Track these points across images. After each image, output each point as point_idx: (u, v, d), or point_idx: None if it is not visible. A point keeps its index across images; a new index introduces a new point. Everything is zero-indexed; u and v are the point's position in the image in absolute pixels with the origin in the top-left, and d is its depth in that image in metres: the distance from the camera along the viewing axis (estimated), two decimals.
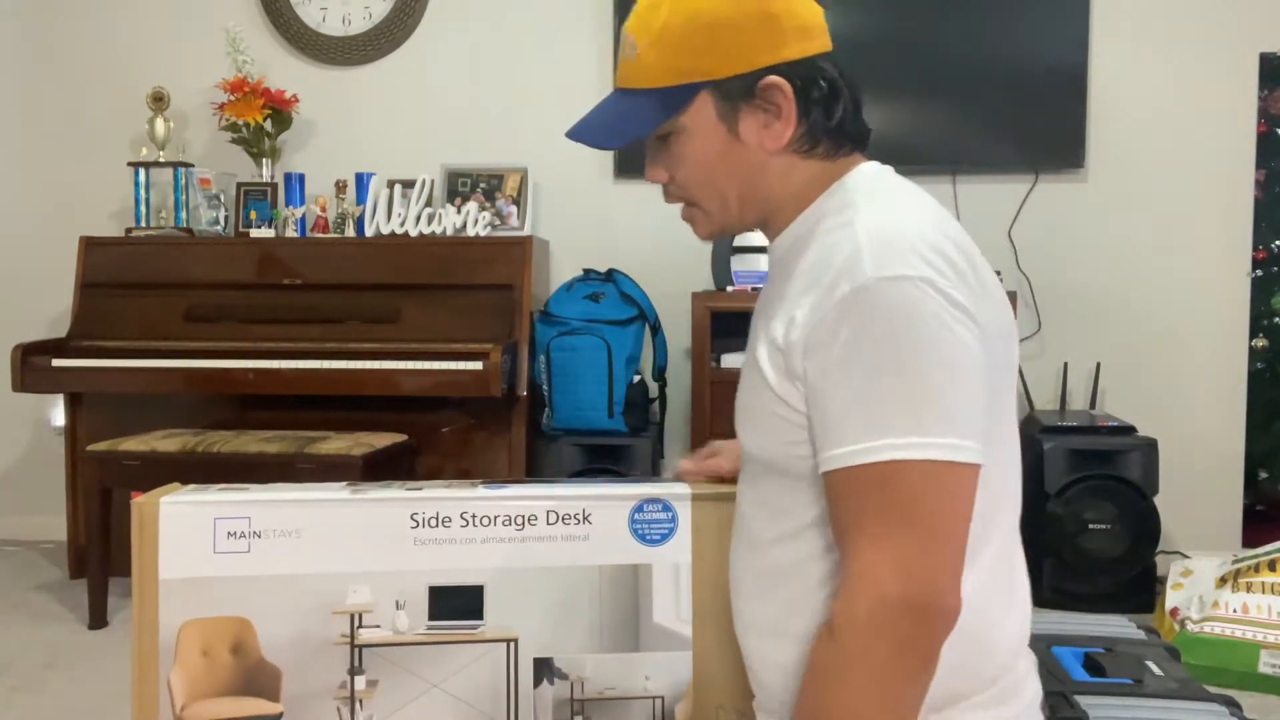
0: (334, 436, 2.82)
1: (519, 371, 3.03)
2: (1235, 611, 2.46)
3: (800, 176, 1.05)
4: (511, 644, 1.24)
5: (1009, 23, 3.23)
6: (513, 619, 1.23)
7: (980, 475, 0.92)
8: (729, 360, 2.99)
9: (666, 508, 1.25)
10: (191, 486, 1.26)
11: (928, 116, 3.23)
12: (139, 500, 1.20)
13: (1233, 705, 1.46)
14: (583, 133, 1.09)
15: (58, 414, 3.36)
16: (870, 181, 1.04)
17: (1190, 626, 2.48)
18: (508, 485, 1.27)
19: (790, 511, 1.02)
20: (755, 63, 1.00)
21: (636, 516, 1.24)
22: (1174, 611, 2.59)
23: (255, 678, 1.21)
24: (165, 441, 2.78)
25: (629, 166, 3.43)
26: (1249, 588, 2.50)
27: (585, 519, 1.24)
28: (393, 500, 1.23)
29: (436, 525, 1.22)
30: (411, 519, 1.22)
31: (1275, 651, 2.39)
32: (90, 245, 3.27)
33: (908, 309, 0.90)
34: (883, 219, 0.97)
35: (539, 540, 1.23)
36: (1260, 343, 3.23)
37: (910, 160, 3.23)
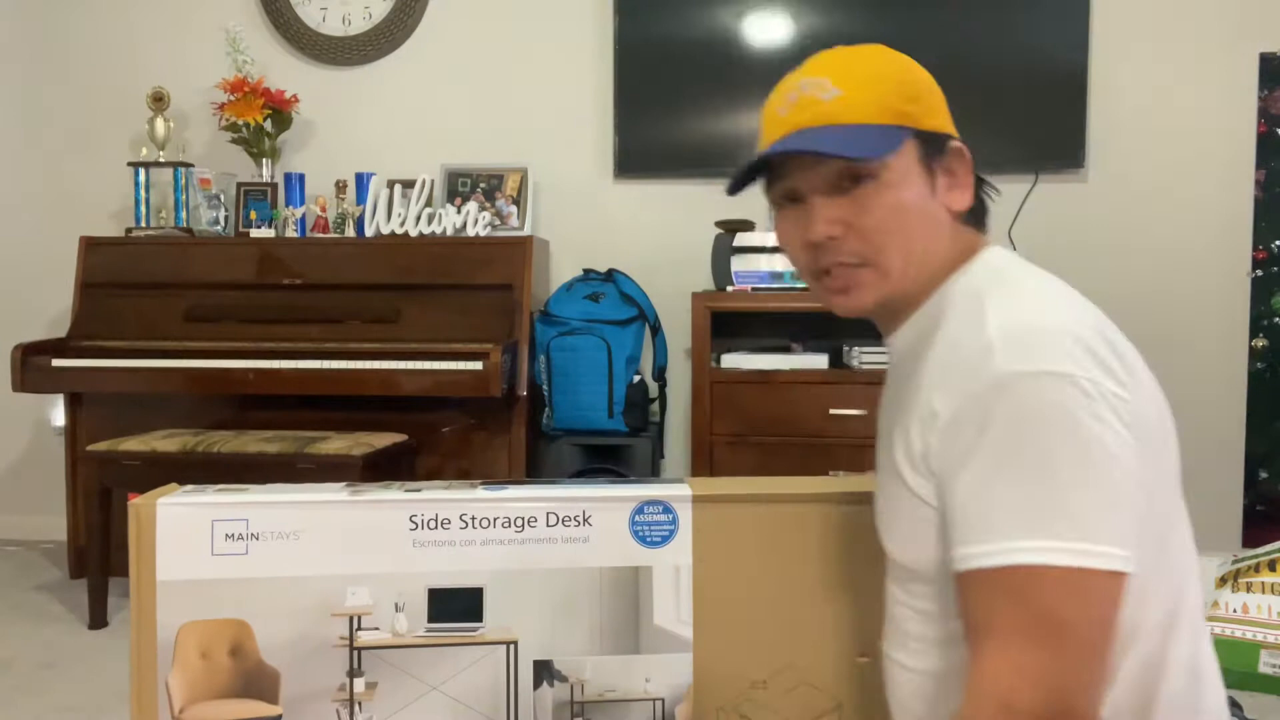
0: (334, 436, 2.82)
1: (519, 371, 3.03)
2: (1235, 611, 2.46)
3: (957, 247, 1.04)
4: (511, 646, 1.23)
5: (1009, 23, 3.23)
6: (512, 621, 1.23)
7: (1145, 584, 0.89)
8: (729, 360, 2.99)
9: (667, 509, 1.24)
10: (189, 488, 1.26)
11: None
12: (136, 502, 1.20)
13: (1233, 705, 1.46)
14: (822, 144, 0.98)
15: (58, 414, 3.36)
16: (1000, 268, 1.03)
17: None
18: (507, 486, 1.26)
19: (939, 616, 1.00)
20: (944, 126, 1.03)
21: (637, 518, 1.24)
22: None
23: (254, 680, 1.20)
24: (165, 441, 2.78)
25: (629, 166, 3.43)
26: (1249, 588, 2.50)
27: (585, 521, 1.23)
28: (392, 502, 1.22)
29: (436, 527, 1.22)
30: (410, 520, 1.21)
31: (1275, 651, 2.39)
32: (90, 245, 3.27)
33: (1043, 406, 0.86)
34: (1016, 310, 0.94)
35: (539, 542, 1.23)
36: (1260, 343, 3.23)
37: None
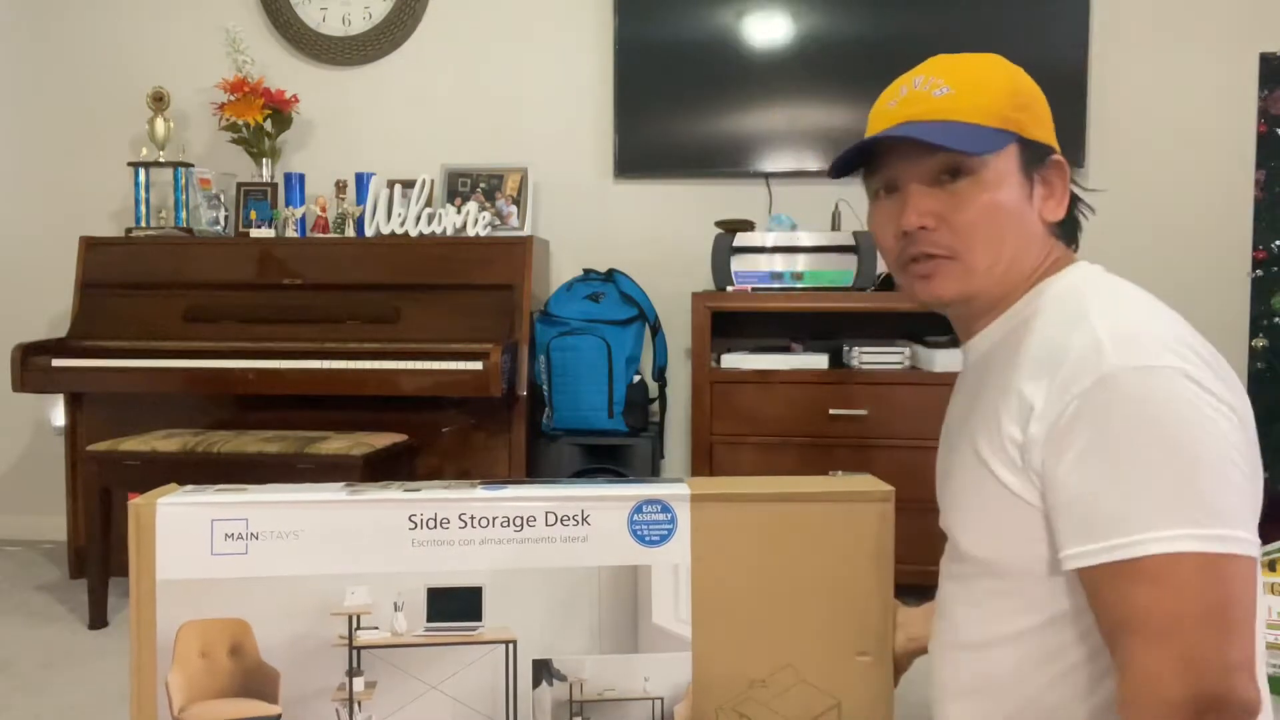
0: (334, 436, 2.82)
1: (519, 371, 3.03)
2: None
3: (1044, 257, 1.06)
4: (510, 645, 1.23)
5: (1009, 23, 3.23)
6: (511, 620, 1.23)
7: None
8: (729, 360, 2.99)
9: (665, 509, 1.24)
10: (189, 487, 1.26)
11: None
12: (136, 502, 1.20)
13: None
14: (929, 134, 1.01)
15: (58, 414, 3.36)
16: (1094, 278, 1.05)
17: None
18: (506, 486, 1.26)
19: (1010, 615, 1.00)
20: (1048, 139, 1.07)
21: (635, 517, 1.24)
22: None
23: (253, 679, 1.21)
24: (165, 441, 2.78)
25: (629, 166, 3.43)
26: None
27: (584, 520, 1.23)
28: (391, 501, 1.22)
29: (435, 526, 1.22)
30: (410, 520, 1.21)
31: (1276, 651, 2.39)
32: (90, 245, 3.27)
33: (1162, 397, 0.87)
34: (1123, 312, 0.96)
35: (537, 541, 1.23)
36: (1260, 343, 3.23)
37: None
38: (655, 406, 3.32)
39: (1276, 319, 3.22)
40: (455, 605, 1.22)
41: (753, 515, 1.25)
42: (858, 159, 1.08)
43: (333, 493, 1.24)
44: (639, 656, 1.24)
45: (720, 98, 3.34)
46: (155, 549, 1.19)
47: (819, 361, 2.96)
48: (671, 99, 3.38)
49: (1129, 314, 0.96)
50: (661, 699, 1.24)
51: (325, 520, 1.21)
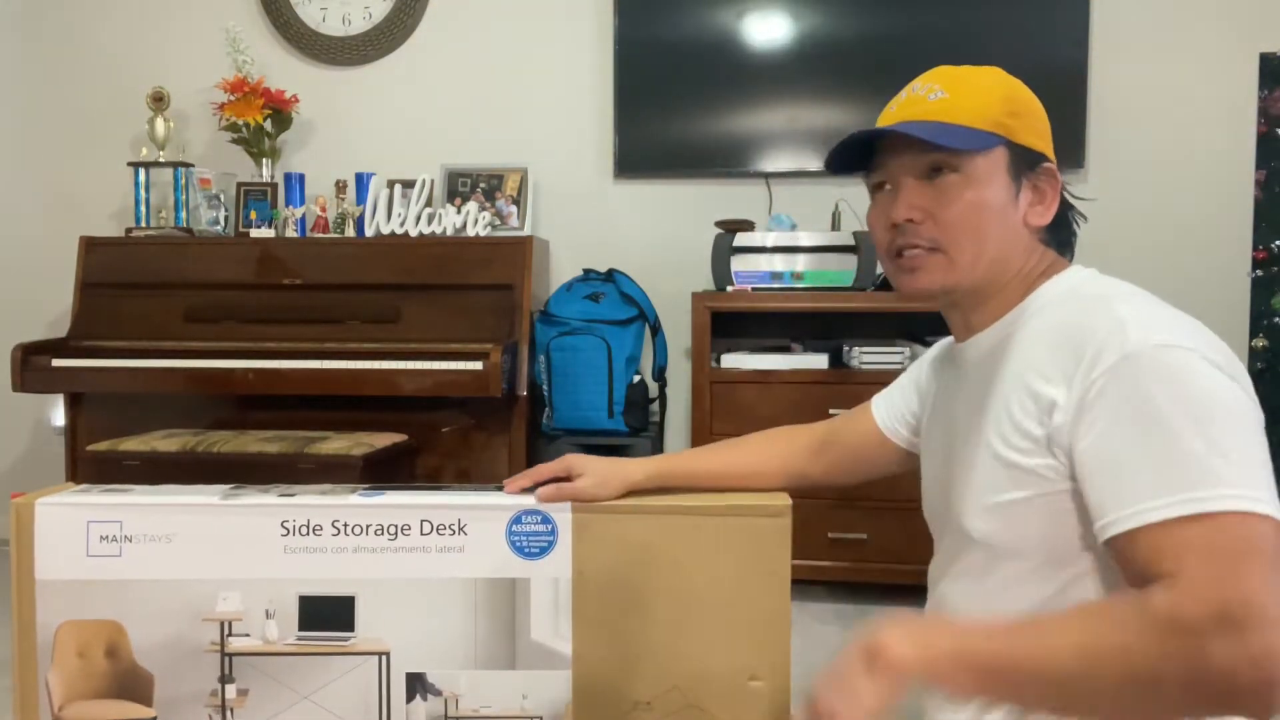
0: (334, 436, 2.82)
1: (519, 371, 3.03)
2: None
3: (1035, 262, 1.09)
4: (383, 657, 1.21)
5: (1009, 23, 3.23)
6: (385, 631, 1.20)
7: None
8: (729, 360, 2.99)
9: (546, 520, 1.20)
10: (80, 487, 1.26)
11: None
12: (17, 501, 1.20)
13: None
14: (911, 128, 1.05)
15: (58, 414, 3.36)
16: (1095, 278, 1.09)
17: None
18: (384, 492, 1.23)
19: (1027, 593, 1.02)
20: (1041, 147, 1.09)
21: (514, 528, 1.20)
22: None
23: (129, 681, 1.20)
24: (165, 441, 2.78)
25: (629, 166, 3.43)
26: None
27: (460, 529, 1.19)
28: (263, 507, 1.20)
29: (307, 533, 1.19)
30: (282, 526, 1.19)
31: None
32: (90, 245, 3.27)
33: (1188, 370, 0.91)
34: (1135, 303, 1.00)
35: (412, 550, 1.19)
36: (1260, 343, 3.23)
37: None
38: (655, 406, 3.32)
39: (1276, 319, 3.22)
40: (327, 614, 1.20)
41: (639, 528, 1.20)
42: (859, 159, 1.12)
43: (208, 496, 1.22)
44: (517, 673, 1.21)
45: (720, 98, 3.34)
46: (34, 548, 1.19)
47: (819, 361, 2.97)
48: (671, 99, 3.38)
49: (1145, 305, 1.00)
50: (540, 718, 1.21)
51: (198, 524, 1.20)
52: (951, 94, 1.07)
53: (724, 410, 2.94)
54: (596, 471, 1.22)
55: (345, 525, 1.20)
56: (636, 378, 3.17)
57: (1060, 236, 1.13)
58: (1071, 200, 1.14)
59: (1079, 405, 0.95)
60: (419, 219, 3.21)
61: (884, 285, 2.95)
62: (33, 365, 3.02)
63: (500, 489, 1.25)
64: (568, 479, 1.22)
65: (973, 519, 1.07)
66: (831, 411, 2.86)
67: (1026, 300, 1.08)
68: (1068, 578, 1.00)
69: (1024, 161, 1.08)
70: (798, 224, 3.15)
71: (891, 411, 1.32)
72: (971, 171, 1.05)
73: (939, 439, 1.19)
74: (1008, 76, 1.11)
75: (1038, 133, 1.10)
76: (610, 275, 3.28)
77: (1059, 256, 1.12)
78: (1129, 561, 0.92)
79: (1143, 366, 0.92)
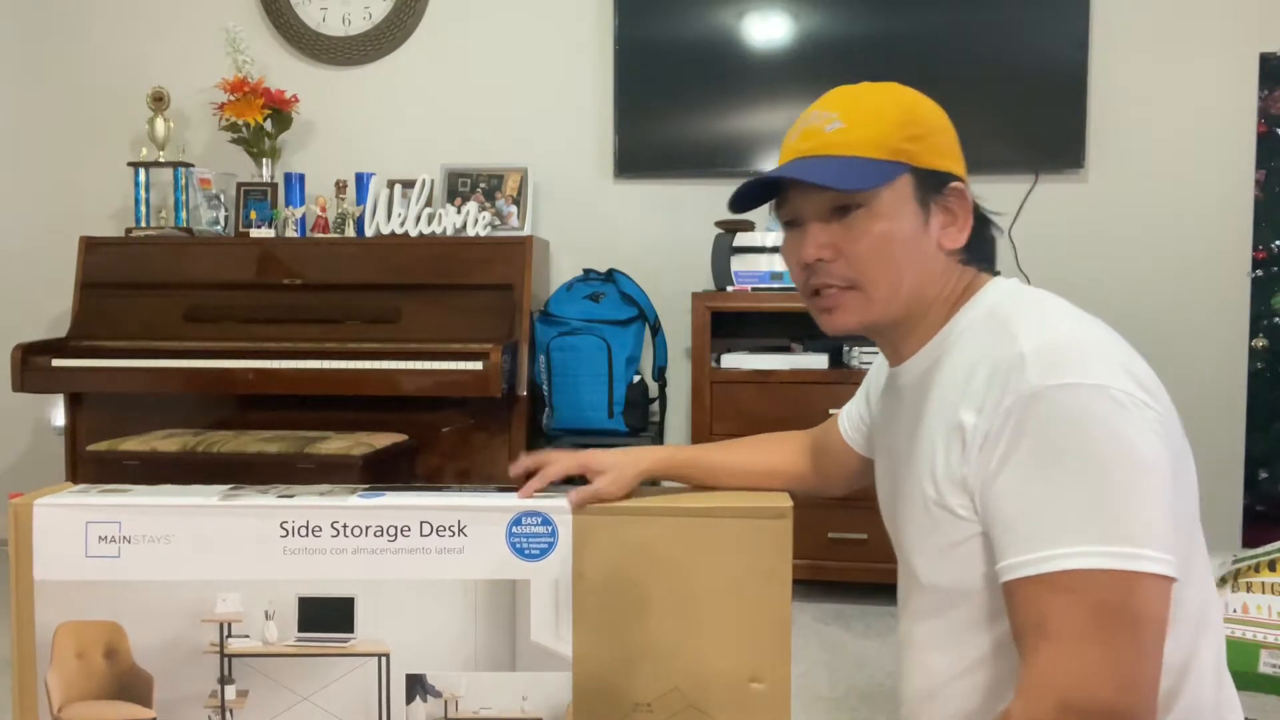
0: (334, 436, 2.82)
1: (519, 371, 3.03)
2: (1235, 611, 2.46)
3: (954, 283, 1.07)
4: (383, 658, 1.20)
5: (1009, 23, 3.22)
6: (384, 633, 1.20)
7: (1180, 594, 0.90)
8: (729, 360, 2.99)
9: (546, 521, 1.19)
10: (79, 488, 1.26)
11: None
12: (15, 501, 1.20)
13: None
14: (809, 173, 1.02)
15: (58, 414, 3.36)
16: (1014, 294, 1.05)
17: None
18: (384, 494, 1.23)
19: (977, 639, 1.01)
20: (947, 166, 1.06)
21: (514, 529, 1.19)
22: None
23: (128, 682, 1.20)
24: (165, 441, 2.78)
25: (629, 166, 3.43)
26: (1249, 588, 2.50)
27: (460, 531, 1.19)
28: (262, 508, 1.20)
29: (306, 534, 1.19)
30: (281, 527, 1.19)
31: (1275, 651, 2.39)
32: (90, 245, 3.27)
33: (1080, 415, 0.89)
34: (1044, 327, 0.97)
35: (411, 552, 1.19)
36: (1260, 343, 3.23)
37: None
38: (655, 406, 3.32)
39: (1276, 319, 3.22)
40: (327, 616, 1.20)
41: (639, 529, 1.20)
42: (766, 192, 1.09)
43: (206, 497, 1.22)
44: (517, 675, 1.20)
45: (720, 98, 3.34)
46: (33, 549, 1.19)
47: (819, 361, 2.96)
48: (671, 99, 3.38)
49: (1053, 329, 0.97)
50: (540, 719, 1.21)
51: (197, 525, 1.20)
52: (848, 123, 1.03)
53: (724, 410, 2.94)
54: (613, 467, 1.22)
55: (345, 526, 1.19)
56: (636, 378, 3.18)
57: (978, 252, 1.10)
58: (986, 213, 1.11)
59: (982, 447, 0.94)
60: (419, 219, 3.21)
61: None
62: (33, 365, 3.02)
63: (502, 490, 1.25)
64: (583, 478, 1.22)
65: (918, 561, 1.06)
66: (830, 411, 2.86)
67: (950, 324, 1.06)
68: (1004, 633, 0.97)
69: (930, 185, 1.04)
70: None
71: (850, 421, 1.32)
72: (877, 205, 1.02)
73: (884, 465, 1.17)
74: (906, 93, 1.08)
75: (941, 151, 1.06)
76: (610, 275, 3.28)
77: (979, 272, 1.09)
78: (1009, 609, 0.92)
79: (1037, 412, 0.90)
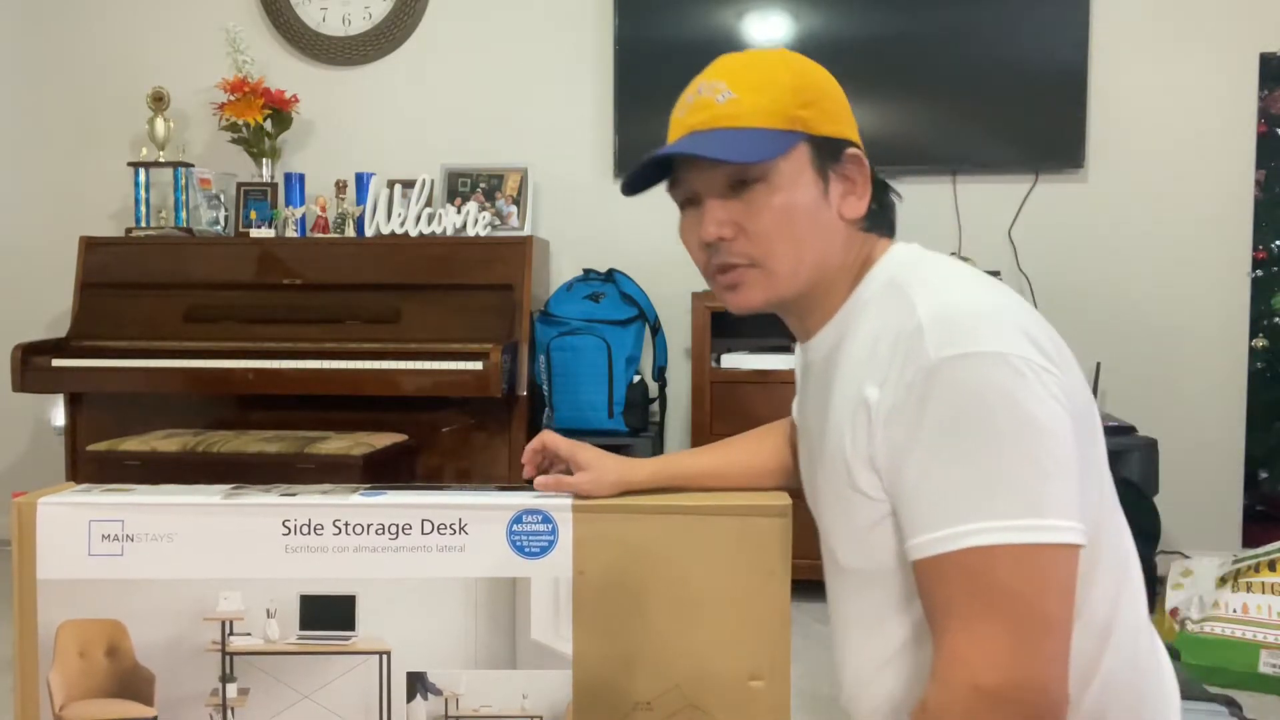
0: (334, 436, 2.82)
1: (519, 371, 3.03)
2: (1235, 611, 2.46)
3: (855, 253, 1.05)
4: (384, 656, 1.21)
5: (1009, 23, 3.22)
6: (386, 631, 1.20)
7: (1094, 555, 0.90)
8: (729, 360, 2.99)
9: (546, 519, 1.19)
10: (81, 487, 1.26)
11: (928, 116, 3.23)
12: (19, 500, 1.20)
13: (1233, 705, 1.47)
14: (705, 148, 0.99)
15: (58, 414, 3.35)
16: (912, 261, 1.03)
17: (1190, 626, 2.48)
18: (385, 492, 1.23)
19: (900, 612, 0.99)
20: (842, 132, 1.03)
21: (515, 527, 1.19)
22: (1174, 611, 2.59)
23: (130, 680, 1.21)
24: (165, 441, 2.78)
25: (629, 166, 3.42)
26: (1249, 588, 2.50)
27: (461, 529, 1.19)
28: (264, 506, 1.20)
29: (308, 532, 1.19)
30: (283, 525, 1.19)
31: (1275, 651, 2.39)
32: (90, 245, 3.27)
33: (976, 387, 0.87)
34: (941, 295, 0.94)
35: (412, 550, 1.19)
36: (1260, 343, 3.23)
37: (910, 160, 3.25)
38: (655, 406, 3.32)
39: (1276, 319, 3.22)
40: (328, 613, 1.20)
41: (639, 528, 1.20)
42: (659, 172, 1.06)
43: (209, 496, 1.22)
44: (517, 673, 1.21)
45: None
46: (36, 548, 1.20)
47: None
48: (672, 99, 3.34)
49: (950, 296, 0.94)
50: (540, 718, 1.21)
51: (199, 524, 1.20)
52: (740, 93, 1.00)
53: (724, 410, 2.94)
54: (598, 467, 1.22)
55: (346, 525, 1.20)
56: (636, 378, 3.18)
57: (878, 219, 1.07)
58: (883, 179, 1.08)
59: (886, 423, 0.92)
60: (419, 219, 3.21)
61: None
62: (33, 365, 3.02)
63: (503, 489, 1.25)
64: (571, 469, 1.22)
65: (837, 544, 1.05)
66: None
67: (853, 296, 1.03)
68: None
69: (827, 153, 1.02)
70: None
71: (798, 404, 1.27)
72: (776, 178, 0.99)
73: (804, 448, 1.15)
74: (794, 58, 1.04)
75: (836, 117, 1.03)
76: (610, 275, 3.28)
77: (879, 239, 1.07)
78: (919, 589, 0.92)
79: (936, 387, 0.88)
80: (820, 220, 1.01)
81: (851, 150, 1.03)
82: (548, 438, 1.25)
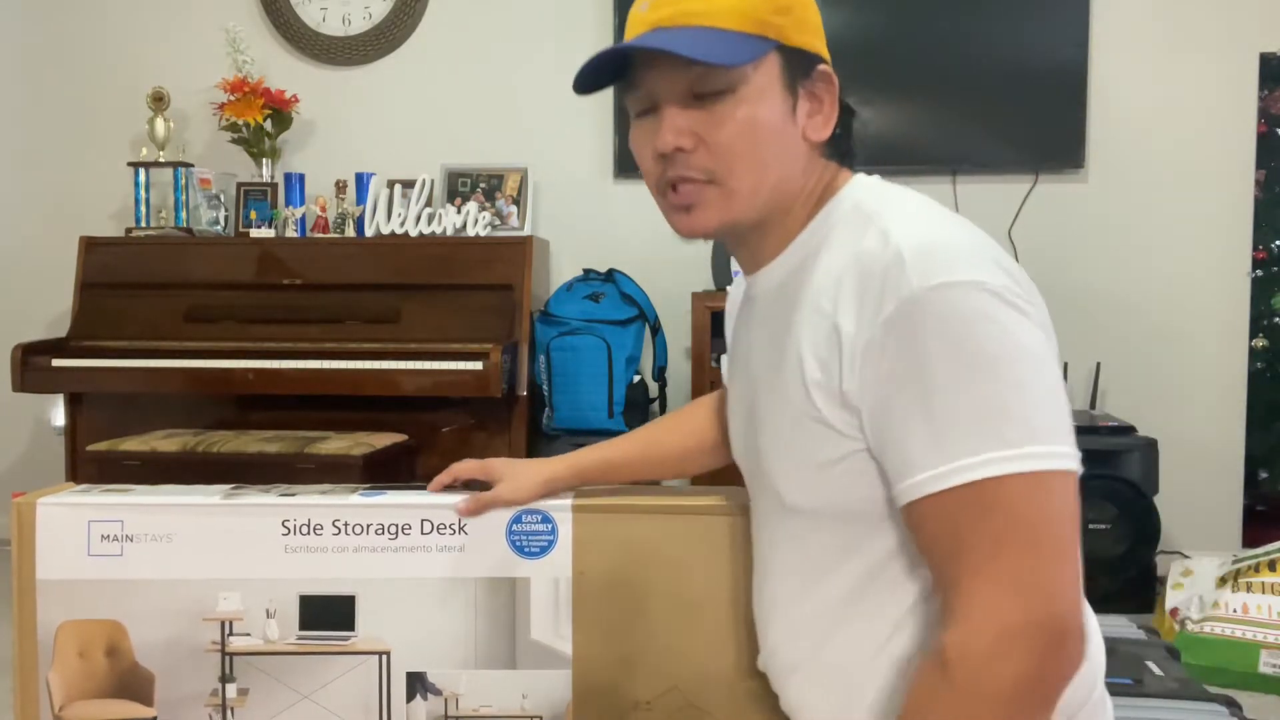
0: (334, 436, 2.82)
1: (519, 371, 3.03)
2: (1235, 611, 2.46)
3: (816, 178, 0.99)
4: (384, 656, 1.20)
5: (1009, 23, 3.22)
6: (385, 631, 1.20)
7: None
8: None
9: (546, 519, 1.19)
10: (81, 487, 1.26)
11: (928, 116, 3.23)
12: (19, 500, 1.20)
13: (1233, 705, 1.47)
14: (669, 43, 0.91)
15: (58, 414, 3.35)
16: (878, 191, 0.98)
17: (1190, 626, 2.48)
18: (384, 492, 1.23)
19: (849, 559, 0.95)
20: (814, 45, 0.97)
21: (514, 527, 1.19)
22: (1174, 611, 2.59)
23: (129, 681, 1.21)
24: (165, 441, 2.78)
25: (629, 166, 3.43)
26: (1249, 588, 2.50)
27: (460, 529, 1.19)
28: (264, 506, 1.20)
29: (308, 532, 1.19)
30: (283, 525, 1.19)
31: (1275, 651, 2.39)
32: (90, 245, 3.27)
33: (964, 316, 0.84)
34: (915, 225, 0.90)
35: (412, 550, 1.19)
36: (1260, 343, 3.23)
37: (910, 160, 3.24)
38: (655, 407, 3.32)
39: (1276, 319, 3.22)
40: (328, 614, 1.20)
41: (638, 527, 1.20)
42: (611, 74, 0.98)
43: (208, 496, 1.22)
44: (517, 673, 1.20)
45: None
46: (35, 548, 1.19)
47: None
48: None
49: (923, 226, 0.90)
50: (540, 717, 1.21)
51: (198, 524, 1.20)
52: None
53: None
54: (513, 475, 1.20)
55: (346, 525, 1.20)
56: (636, 378, 3.18)
57: (841, 145, 1.00)
58: (849, 103, 1.00)
59: (864, 355, 0.87)
60: (419, 219, 3.21)
61: None
62: (33, 365, 3.02)
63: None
64: (487, 485, 1.21)
65: (784, 482, 0.98)
66: None
67: (813, 223, 0.97)
68: (892, 545, 0.93)
69: (798, 67, 0.95)
70: None
71: (728, 363, 1.19)
72: (743, 88, 0.92)
73: (741, 385, 1.08)
74: None
75: (810, 28, 0.96)
76: (610, 275, 3.28)
77: (840, 168, 1.01)
78: (917, 532, 0.88)
79: (918, 317, 0.84)
80: (785, 139, 0.95)
81: (822, 67, 0.97)
82: (455, 467, 1.23)
